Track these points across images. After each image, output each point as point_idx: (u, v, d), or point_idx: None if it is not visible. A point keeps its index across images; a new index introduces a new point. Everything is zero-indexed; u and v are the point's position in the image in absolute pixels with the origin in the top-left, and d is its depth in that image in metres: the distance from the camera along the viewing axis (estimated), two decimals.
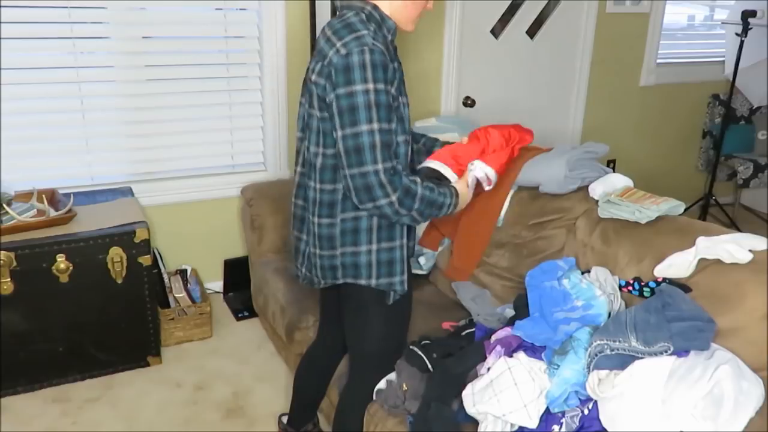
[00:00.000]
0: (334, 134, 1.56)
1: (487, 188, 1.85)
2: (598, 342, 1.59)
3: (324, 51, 1.57)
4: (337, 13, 1.67)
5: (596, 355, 1.58)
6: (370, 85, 1.50)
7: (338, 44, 1.53)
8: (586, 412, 1.59)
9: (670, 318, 1.57)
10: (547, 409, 1.61)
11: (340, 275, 1.72)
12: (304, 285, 1.84)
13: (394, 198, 1.55)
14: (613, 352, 1.56)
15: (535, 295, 1.84)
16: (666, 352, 1.52)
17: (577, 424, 1.58)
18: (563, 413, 1.60)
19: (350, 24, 1.56)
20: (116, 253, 2.50)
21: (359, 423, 1.91)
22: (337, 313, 1.94)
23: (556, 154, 2.27)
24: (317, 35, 1.72)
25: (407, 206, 1.58)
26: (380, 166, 1.52)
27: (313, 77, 1.59)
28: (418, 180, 1.62)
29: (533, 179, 2.25)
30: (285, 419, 2.26)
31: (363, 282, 1.71)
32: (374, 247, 1.68)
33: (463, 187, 1.76)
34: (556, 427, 1.58)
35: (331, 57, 1.53)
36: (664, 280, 1.77)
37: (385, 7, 1.63)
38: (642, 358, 1.55)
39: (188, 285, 2.95)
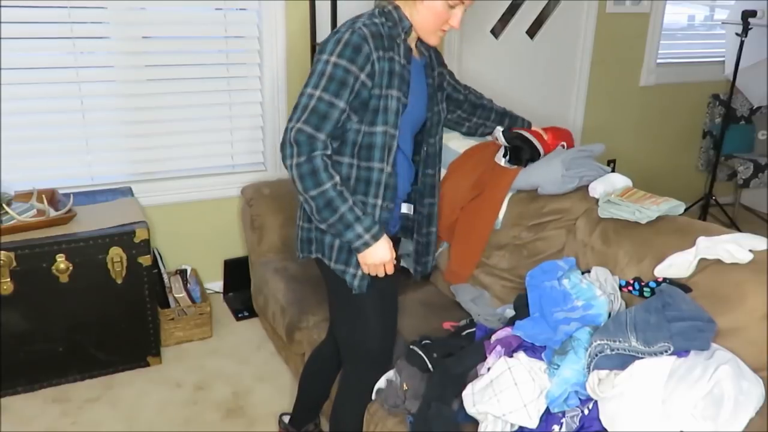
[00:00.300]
0: None
1: None
2: (598, 342, 1.59)
3: None
4: None
5: (596, 355, 1.58)
6: (333, 58, 1.59)
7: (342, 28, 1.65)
8: (586, 412, 1.59)
9: (670, 318, 1.57)
10: (547, 409, 1.61)
11: (314, 249, 1.77)
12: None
13: (293, 161, 1.58)
14: (613, 352, 1.56)
15: (535, 294, 1.84)
16: (666, 352, 1.52)
17: (578, 423, 1.58)
18: (563, 413, 1.60)
19: (360, 16, 1.67)
20: (116, 253, 2.50)
21: (355, 419, 1.91)
22: None
23: (551, 156, 2.28)
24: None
25: (305, 185, 1.59)
26: (298, 125, 1.57)
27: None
28: (338, 180, 1.59)
29: (531, 182, 2.25)
30: (286, 419, 2.26)
31: (326, 261, 1.76)
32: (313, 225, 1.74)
33: (377, 252, 1.66)
34: (556, 427, 1.58)
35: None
36: (665, 280, 1.77)
37: (406, 9, 1.69)
38: (642, 358, 1.55)
39: (188, 285, 2.95)
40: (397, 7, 1.68)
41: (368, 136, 1.65)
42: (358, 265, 1.72)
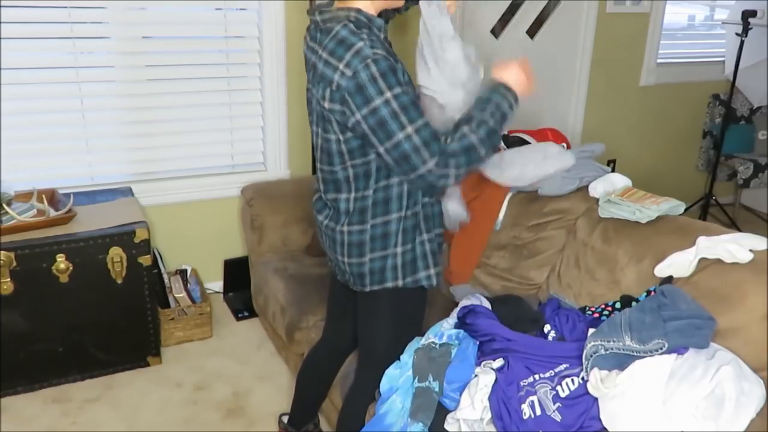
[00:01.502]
0: (371, 151, 1.56)
1: None
2: (593, 343, 1.60)
3: (327, 75, 1.51)
4: (319, 26, 1.58)
5: (592, 356, 1.59)
6: (388, 94, 1.46)
7: (341, 66, 1.48)
8: (561, 392, 1.60)
9: (666, 317, 1.58)
10: (509, 398, 1.64)
11: (368, 282, 1.72)
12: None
13: (452, 173, 1.52)
14: (608, 352, 1.57)
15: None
16: (661, 349, 1.53)
17: (550, 399, 1.59)
18: (529, 391, 1.63)
19: (343, 40, 1.50)
20: (116, 253, 2.50)
21: (362, 423, 1.91)
22: (344, 313, 1.94)
23: None
24: (304, 49, 1.69)
25: (470, 160, 1.53)
26: (429, 164, 1.50)
27: (326, 105, 1.54)
28: (463, 128, 1.54)
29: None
30: (285, 419, 2.26)
31: (389, 285, 1.71)
32: (399, 249, 1.68)
33: (512, 76, 1.65)
34: (525, 407, 1.60)
35: (338, 81, 1.49)
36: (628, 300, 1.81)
37: (368, 7, 1.58)
38: (639, 356, 1.55)
39: (188, 285, 2.95)
40: (359, 11, 1.55)
41: None
42: (426, 266, 1.72)
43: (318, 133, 1.66)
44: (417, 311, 1.86)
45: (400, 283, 1.71)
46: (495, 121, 1.55)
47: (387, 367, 1.86)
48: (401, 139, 1.48)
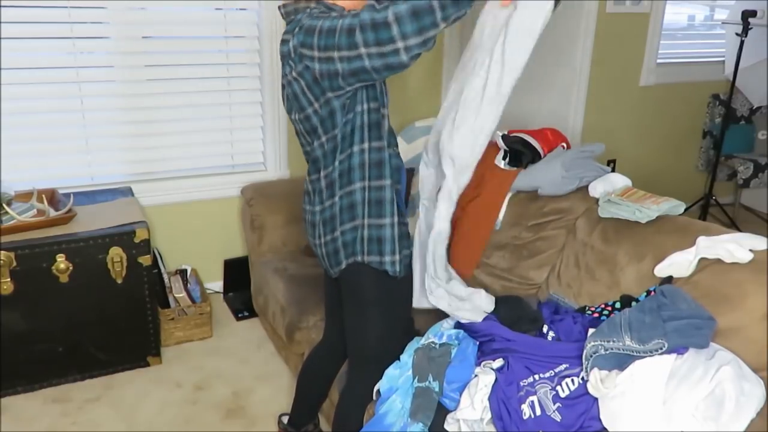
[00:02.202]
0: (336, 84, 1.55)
1: None
2: (593, 343, 1.60)
3: (288, 44, 1.60)
4: (285, 22, 1.67)
5: (591, 356, 1.59)
6: (344, 20, 1.48)
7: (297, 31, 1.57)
8: (561, 392, 1.60)
9: (666, 317, 1.58)
10: (509, 398, 1.64)
11: (343, 258, 1.74)
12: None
13: (398, 35, 1.42)
14: (607, 352, 1.57)
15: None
16: (661, 349, 1.53)
17: (550, 399, 1.59)
18: (529, 392, 1.63)
19: (314, 19, 1.55)
20: (116, 253, 2.50)
21: (360, 423, 1.91)
22: (341, 314, 1.94)
23: (551, 157, 2.28)
24: (279, 47, 1.73)
25: (421, 23, 1.41)
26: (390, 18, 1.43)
27: (294, 72, 1.61)
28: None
29: (531, 184, 2.26)
30: (285, 419, 2.26)
31: (359, 258, 1.72)
32: (365, 221, 1.69)
33: None
34: (525, 407, 1.60)
35: (296, 38, 1.57)
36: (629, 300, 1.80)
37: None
38: (639, 356, 1.55)
39: (188, 285, 2.95)
40: (319, 2, 1.63)
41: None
42: (392, 251, 1.71)
43: (298, 119, 1.71)
44: (397, 302, 1.83)
45: (366, 258, 1.71)
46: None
47: (375, 364, 1.86)
48: (351, 22, 1.46)
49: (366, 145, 1.64)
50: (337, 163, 1.66)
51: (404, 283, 1.80)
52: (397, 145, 1.76)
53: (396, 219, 1.71)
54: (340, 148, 1.64)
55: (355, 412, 1.92)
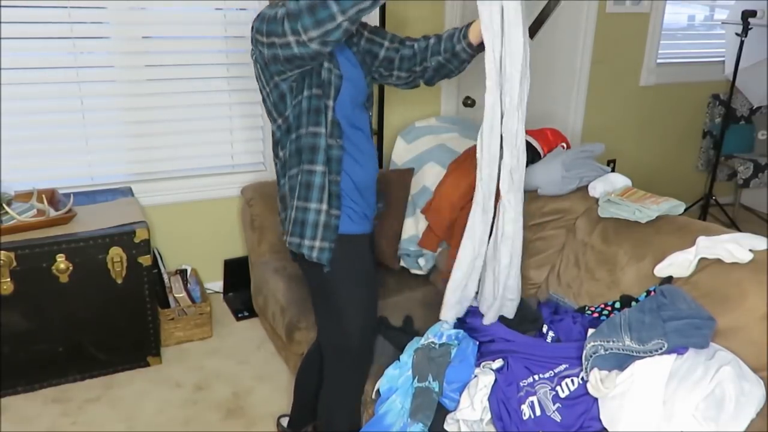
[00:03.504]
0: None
1: None
2: (592, 343, 1.60)
3: (254, 38, 1.69)
4: None
5: (591, 356, 1.59)
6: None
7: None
8: (561, 392, 1.60)
9: (666, 318, 1.58)
10: (509, 398, 1.64)
11: (287, 237, 1.80)
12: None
13: (299, 27, 1.51)
14: (607, 352, 1.57)
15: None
16: (660, 349, 1.53)
17: (550, 399, 1.59)
18: (529, 392, 1.63)
19: (271, 9, 1.61)
20: (116, 253, 2.50)
21: (347, 420, 1.91)
22: None
23: (551, 157, 2.27)
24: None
25: (318, 16, 1.47)
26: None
27: (254, 61, 1.75)
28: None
29: (531, 183, 2.25)
30: (284, 421, 2.26)
31: (286, 238, 1.79)
32: (295, 203, 1.74)
33: None
34: (525, 408, 1.60)
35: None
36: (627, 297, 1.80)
37: None
38: (639, 356, 1.55)
39: (188, 285, 2.95)
40: None
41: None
42: (313, 237, 1.72)
43: (261, 101, 1.82)
44: (325, 290, 1.82)
45: (289, 238, 1.77)
46: None
47: (329, 358, 1.90)
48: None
49: (304, 130, 1.70)
50: (288, 143, 1.74)
51: (339, 278, 1.78)
52: (341, 137, 1.72)
53: (324, 207, 1.71)
54: (291, 130, 1.72)
55: (340, 415, 1.93)
